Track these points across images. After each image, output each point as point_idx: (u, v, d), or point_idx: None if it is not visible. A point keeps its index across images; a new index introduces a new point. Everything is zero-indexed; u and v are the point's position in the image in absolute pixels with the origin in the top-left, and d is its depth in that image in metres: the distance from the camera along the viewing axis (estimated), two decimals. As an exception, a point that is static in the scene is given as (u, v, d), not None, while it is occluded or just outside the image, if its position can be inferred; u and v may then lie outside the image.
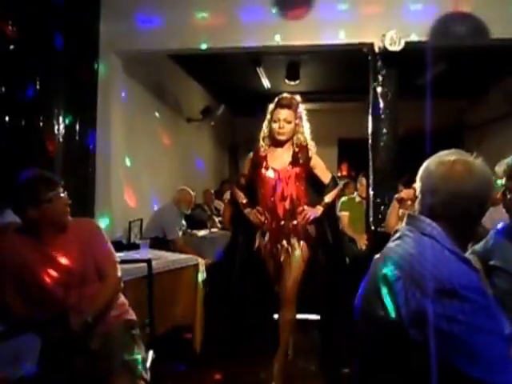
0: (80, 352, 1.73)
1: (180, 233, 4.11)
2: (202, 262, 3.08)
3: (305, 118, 2.65)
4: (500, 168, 1.61)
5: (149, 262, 2.35)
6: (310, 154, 2.61)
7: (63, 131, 3.25)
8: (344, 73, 5.64)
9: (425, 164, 1.12)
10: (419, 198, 1.12)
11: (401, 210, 2.77)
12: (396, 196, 2.83)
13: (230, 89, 7.03)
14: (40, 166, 2.04)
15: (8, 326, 1.71)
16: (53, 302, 1.78)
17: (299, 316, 2.72)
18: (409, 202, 2.66)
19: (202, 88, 6.86)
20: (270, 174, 2.59)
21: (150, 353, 2.04)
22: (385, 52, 3.35)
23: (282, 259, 2.58)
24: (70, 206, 1.88)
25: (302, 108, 2.64)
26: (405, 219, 1.15)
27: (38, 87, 3.08)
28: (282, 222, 2.58)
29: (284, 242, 2.59)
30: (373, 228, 3.54)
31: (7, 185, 1.85)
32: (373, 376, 1.09)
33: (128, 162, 4.17)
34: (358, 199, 4.48)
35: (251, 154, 2.72)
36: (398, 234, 1.13)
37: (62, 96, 3.27)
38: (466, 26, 3.27)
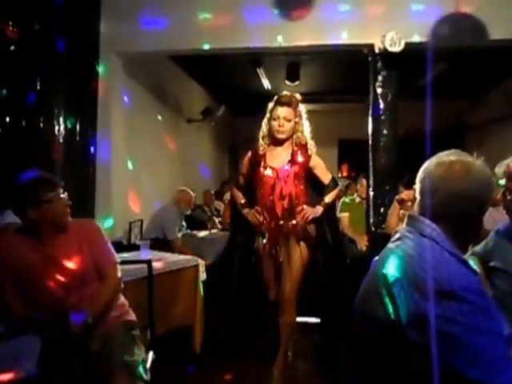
0: (80, 352, 1.73)
1: (180, 234, 4.11)
2: (202, 263, 3.07)
3: (305, 116, 2.62)
4: (500, 169, 1.61)
5: (149, 262, 2.35)
6: (310, 152, 2.58)
7: (64, 132, 3.26)
8: (344, 73, 5.64)
9: (424, 165, 1.12)
10: (418, 198, 1.12)
11: (401, 211, 2.77)
12: (397, 197, 2.83)
13: (230, 89, 7.03)
14: (40, 167, 2.05)
15: (8, 327, 1.71)
16: (53, 302, 1.78)
17: (299, 319, 2.71)
18: (409, 203, 2.66)
19: (202, 89, 6.86)
20: (269, 172, 2.56)
21: (150, 353, 2.04)
22: (385, 53, 3.35)
23: (281, 260, 2.57)
24: (70, 206, 1.88)
25: (302, 106, 2.62)
26: (405, 220, 1.15)
27: (38, 88, 3.08)
28: (281, 222, 2.55)
29: (283, 243, 2.57)
30: (373, 229, 3.53)
31: (7, 185, 1.85)
32: (372, 376, 1.09)
33: (128, 163, 4.17)
34: (358, 200, 4.47)
35: (249, 153, 2.69)
36: (397, 235, 1.13)
37: (63, 97, 3.27)
38: (467, 26, 3.27)
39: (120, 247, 3.18)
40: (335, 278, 2.73)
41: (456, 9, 3.27)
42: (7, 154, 2.91)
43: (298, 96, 2.62)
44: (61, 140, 3.24)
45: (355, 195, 4.58)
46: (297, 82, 5.69)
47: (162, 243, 3.82)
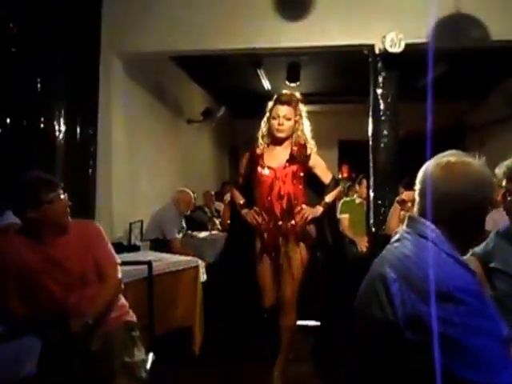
0: (80, 353, 1.73)
1: (180, 235, 4.11)
2: (202, 264, 3.07)
3: (305, 115, 2.60)
4: (500, 170, 1.61)
5: (149, 263, 2.35)
6: (309, 151, 2.55)
7: (64, 132, 3.26)
8: (344, 74, 5.64)
9: (424, 166, 1.12)
10: (418, 199, 1.12)
11: (402, 212, 2.76)
12: (397, 198, 2.83)
13: (230, 90, 7.04)
14: (40, 168, 2.05)
15: (8, 328, 1.71)
16: (53, 303, 1.78)
17: (299, 322, 2.70)
18: (409, 204, 2.66)
19: (202, 90, 6.87)
20: (266, 172, 2.53)
21: (150, 354, 2.03)
22: (385, 54, 3.35)
23: (280, 262, 2.54)
24: (70, 207, 1.88)
25: (302, 106, 2.60)
26: (405, 221, 1.15)
27: (38, 88, 3.08)
28: (280, 222, 2.52)
29: (282, 244, 2.54)
30: (373, 230, 3.53)
31: (8, 186, 1.85)
32: (371, 376, 1.09)
33: (129, 164, 4.17)
34: (358, 201, 4.47)
35: (248, 153, 2.67)
36: (397, 236, 1.14)
37: (63, 97, 3.27)
38: (467, 27, 3.28)
39: (120, 248, 3.18)
40: (335, 279, 2.71)
41: (456, 10, 3.27)
42: (7, 154, 2.91)
43: (298, 95, 2.60)
44: (61, 140, 3.24)
45: (355, 196, 4.58)
46: (297, 83, 5.70)
47: (161, 243, 3.82)
